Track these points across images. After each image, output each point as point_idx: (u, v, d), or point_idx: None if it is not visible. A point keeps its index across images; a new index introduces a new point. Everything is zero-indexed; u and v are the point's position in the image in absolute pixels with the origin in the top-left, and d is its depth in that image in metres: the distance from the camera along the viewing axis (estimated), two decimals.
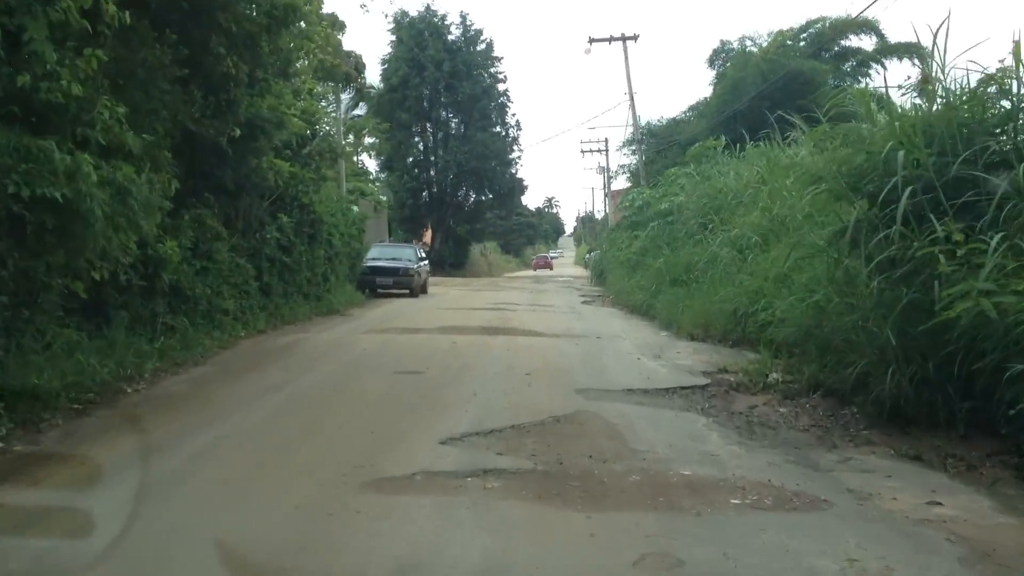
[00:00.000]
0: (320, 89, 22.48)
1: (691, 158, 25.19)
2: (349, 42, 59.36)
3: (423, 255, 29.37)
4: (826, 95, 11.10)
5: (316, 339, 14.74)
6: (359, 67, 27.62)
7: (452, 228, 55.13)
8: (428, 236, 55.12)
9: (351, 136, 55.06)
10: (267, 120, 14.23)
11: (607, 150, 74.72)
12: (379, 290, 26.66)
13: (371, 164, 54.67)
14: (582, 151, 75.12)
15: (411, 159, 53.18)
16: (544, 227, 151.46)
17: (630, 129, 42.71)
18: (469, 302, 25.22)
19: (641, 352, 13.48)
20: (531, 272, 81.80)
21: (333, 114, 26.24)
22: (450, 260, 53.83)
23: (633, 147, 42.82)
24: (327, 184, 28.40)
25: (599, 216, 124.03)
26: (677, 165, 28.48)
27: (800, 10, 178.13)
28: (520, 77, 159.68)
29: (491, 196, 55.29)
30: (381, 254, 27.86)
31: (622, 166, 44.32)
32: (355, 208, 26.94)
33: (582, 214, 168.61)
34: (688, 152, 24.91)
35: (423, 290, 28.88)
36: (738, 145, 22.90)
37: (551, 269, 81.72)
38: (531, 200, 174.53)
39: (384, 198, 36.94)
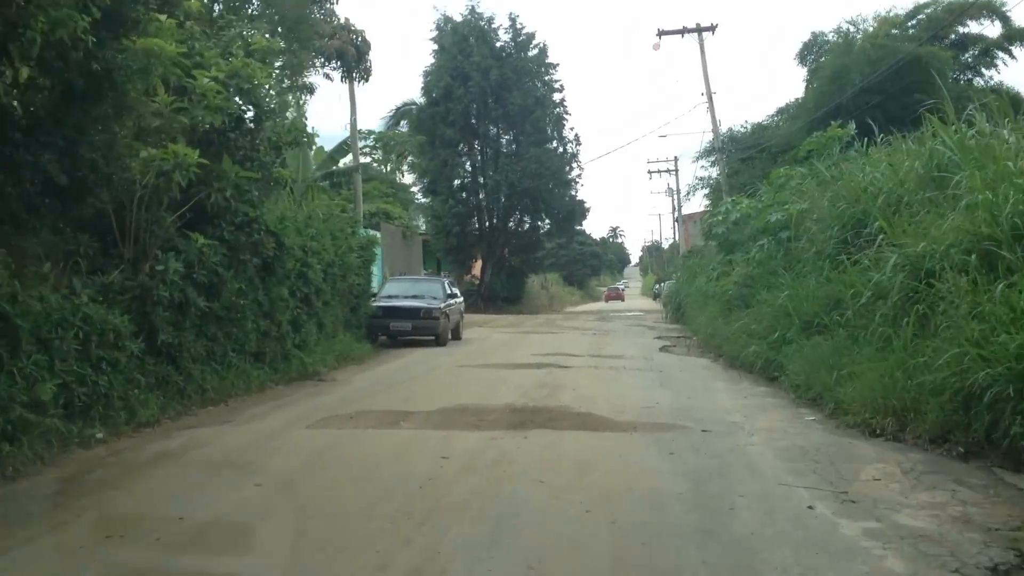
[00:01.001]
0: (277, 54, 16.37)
1: (805, 154, 18.58)
2: (393, 57, 53.37)
3: (454, 291, 23.11)
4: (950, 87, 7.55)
5: (192, 452, 8.42)
6: (361, 47, 21.60)
7: (505, 258, 48.88)
8: (478, 268, 48.97)
9: (390, 156, 49.49)
10: (118, 66, 8.12)
11: (677, 170, 68.55)
12: (395, 337, 20.49)
13: (412, 186, 49.07)
14: (649, 172, 69.27)
15: (457, 181, 47.18)
16: (609, 257, 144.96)
17: (708, 136, 36.33)
18: (510, 353, 18.88)
19: (801, 475, 6.97)
20: (596, 305, 75.51)
21: (298, 97, 19.96)
22: (503, 294, 47.55)
23: (713, 157, 36.24)
24: (323, 197, 22.50)
25: (667, 244, 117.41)
26: (779, 168, 21.92)
27: None
28: (578, 85, 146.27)
29: (548, 221, 48.91)
30: (399, 290, 21.68)
31: (700, 179, 37.61)
32: (364, 231, 20.83)
33: (648, 243, 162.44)
34: (802, 146, 18.39)
35: (455, 335, 22.62)
36: (865, 140, 16.49)
37: (623, 300, 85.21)
38: (594, 229, 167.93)
39: (417, 223, 30.88)
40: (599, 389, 12.51)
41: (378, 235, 26.75)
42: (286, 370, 13.67)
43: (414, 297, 21.17)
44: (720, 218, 19.49)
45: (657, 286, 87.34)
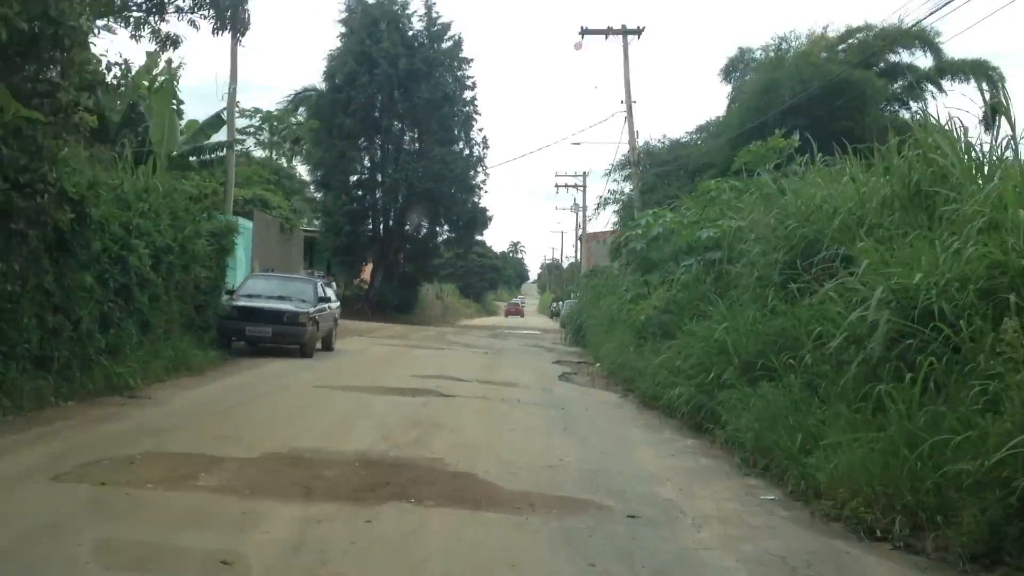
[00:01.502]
0: None
1: (739, 167, 16.21)
2: (295, 42, 49.13)
3: (327, 294, 19.95)
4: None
5: None
6: None
7: (399, 264, 45.79)
8: (369, 272, 45.77)
9: (280, 142, 45.80)
10: None
11: (584, 185, 66.59)
12: (254, 344, 17.37)
13: (304, 178, 45.63)
14: (556, 185, 66.71)
15: (354, 177, 43.95)
16: (508, 271, 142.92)
17: (624, 148, 34.16)
18: (386, 372, 15.97)
19: None
20: (491, 320, 72.96)
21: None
22: (394, 302, 44.41)
23: (627, 171, 34.07)
24: (195, 177, 19.30)
25: (568, 263, 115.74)
26: (681, 196, 19.58)
27: (836, 15, 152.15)
28: (491, 83, 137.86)
29: (447, 227, 46.05)
30: (263, 289, 18.47)
31: (612, 192, 35.25)
32: (225, 216, 17.60)
33: (548, 260, 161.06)
34: (738, 156, 16.00)
35: (326, 345, 19.56)
36: (806, 157, 14.26)
37: (522, 316, 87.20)
38: (495, 242, 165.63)
39: (301, 217, 27.53)
40: (486, 432, 9.72)
41: (249, 224, 23.49)
42: (85, 382, 10.48)
43: (279, 298, 18.01)
44: (639, 232, 17.00)
45: (555, 304, 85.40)
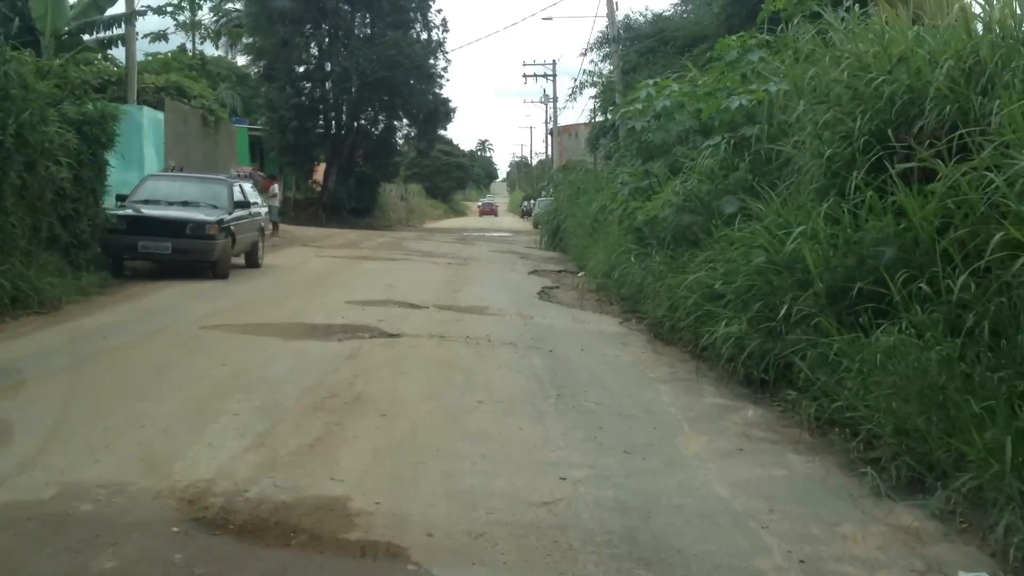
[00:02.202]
0: None
1: (764, 20, 12.32)
2: None
3: (250, 198, 15.98)
4: None
5: None
6: None
7: (355, 163, 41.65)
8: (322, 172, 41.61)
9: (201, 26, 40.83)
10: None
11: (555, 75, 61.90)
12: (157, 261, 13.71)
13: (247, 69, 41.05)
14: (525, 75, 61.90)
15: (301, 69, 39.35)
16: (476, 170, 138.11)
17: (602, 23, 29.99)
18: (315, 297, 12.35)
19: None
20: (459, 221, 69.18)
21: None
22: (351, 205, 40.42)
23: (606, 50, 30.00)
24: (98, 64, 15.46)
25: (538, 159, 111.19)
26: (676, 70, 15.63)
27: None
28: None
29: (407, 122, 41.78)
30: (162, 193, 14.58)
31: (588, 74, 31.03)
32: (103, 102, 13.61)
33: (517, 158, 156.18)
34: (765, 5, 12.16)
35: (251, 261, 15.92)
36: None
37: (496, 216, 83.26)
38: (462, 141, 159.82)
39: (222, 106, 23.26)
40: (435, 418, 6.08)
41: (158, 115, 19.43)
42: None
43: (183, 205, 14.21)
44: (638, 107, 13.24)
45: (526, 203, 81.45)
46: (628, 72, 27.98)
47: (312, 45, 39.03)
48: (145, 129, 18.33)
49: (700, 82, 13.06)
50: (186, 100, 21.25)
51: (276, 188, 28.58)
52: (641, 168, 13.70)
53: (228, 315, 10.18)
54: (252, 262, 15.92)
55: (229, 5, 41.34)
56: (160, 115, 19.32)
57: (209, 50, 41.07)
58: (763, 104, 10.23)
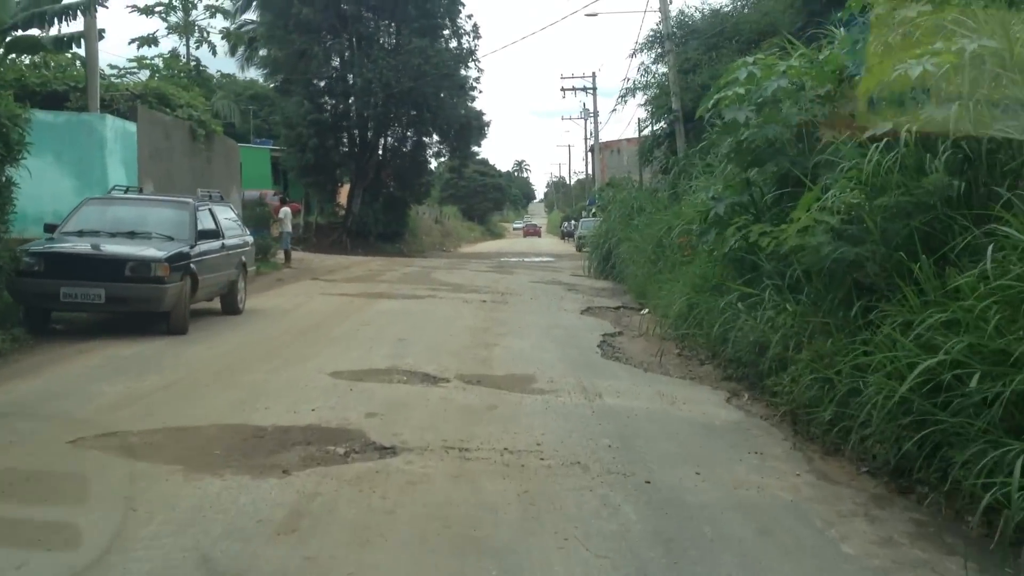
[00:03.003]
0: None
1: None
2: None
3: (228, 225, 12.45)
4: None
5: None
6: None
7: (383, 183, 38.33)
8: (345, 195, 38.30)
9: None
10: None
11: (595, 87, 58.42)
12: (76, 311, 10.26)
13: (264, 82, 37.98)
14: (563, 88, 58.27)
15: (323, 83, 36.07)
16: (513, 191, 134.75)
17: (653, 20, 26.39)
18: (301, 357, 8.81)
19: None
20: (497, 244, 65.67)
21: None
22: (378, 229, 37.02)
23: (659, 49, 26.32)
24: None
25: (577, 178, 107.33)
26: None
27: None
28: None
29: (437, 137, 38.37)
30: (100, 222, 11.07)
31: (644, 71, 27.07)
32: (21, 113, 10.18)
33: (555, 178, 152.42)
34: None
35: (228, 307, 12.41)
36: None
37: (539, 236, 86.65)
38: (498, 161, 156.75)
39: (215, 117, 19.76)
40: None
41: (130, 127, 16.06)
42: None
43: (128, 236, 10.75)
44: (739, 92, 9.55)
45: (566, 224, 77.86)
46: (687, 72, 24.31)
47: (332, 56, 35.74)
48: (109, 143, 15.00)
49: (822, 56, 9.39)
50: (169, 110, 17.92)
51: (287, 212, 25.24)
52: (742, 176, 9.98)
53: (138, 408, 6.61)
54: (230, 307, 12.41)
55: (245, 16, 38.26)
56: (132, 126, 15.97)
57: (225, 65, 38.00)
58: (960, 69, 6.53)
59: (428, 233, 51.95)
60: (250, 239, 13.60)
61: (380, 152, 37.80)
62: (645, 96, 28.11)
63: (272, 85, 36.53)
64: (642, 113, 39.37)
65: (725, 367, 9.12)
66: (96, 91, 15.13)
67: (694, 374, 9.34)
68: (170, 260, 10.14)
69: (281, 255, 24.49)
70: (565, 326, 13.02)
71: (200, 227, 11.24)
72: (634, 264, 18.72)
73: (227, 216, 12.74)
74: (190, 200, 11.81)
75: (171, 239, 10.78)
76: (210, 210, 12.01)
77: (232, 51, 38.89)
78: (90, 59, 15.23)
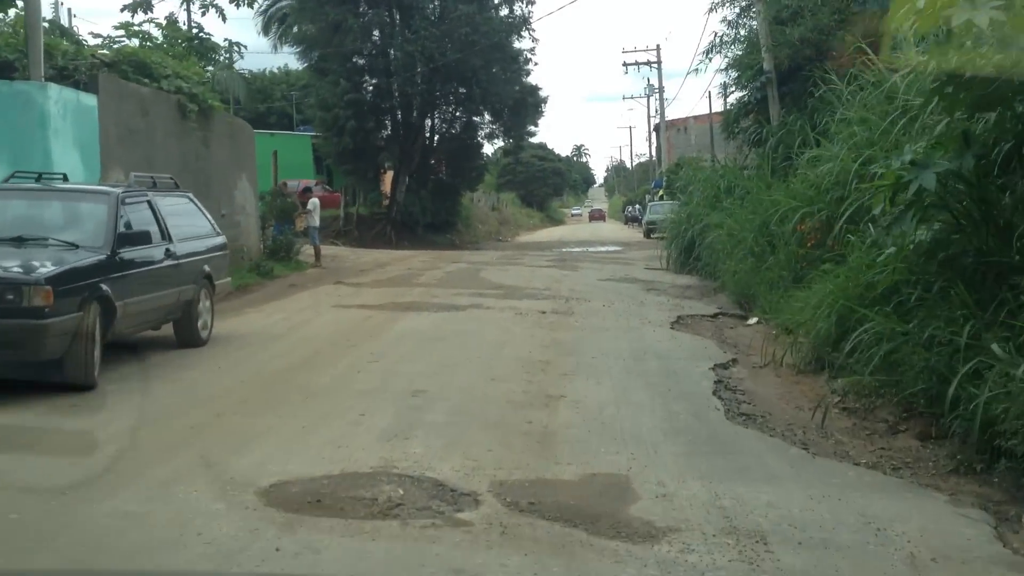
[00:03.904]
0: None
1: None
2: None
3: (177, 223, 8.85)
4: None
5: None
6: None
7: (430, 169, 34.81)
8: (388, 183, 34.82)
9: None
10: None
11: (659, 61, 54.17)
12: None
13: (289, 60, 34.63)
14: (625, 63, 54.19)
15: (361, 60, 32.54)
16: (573, 176, 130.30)
17: None
18: (235, 447, 5.16)
19: None
20: (558, 231, 61.88)
21: None
22: (426, 220, 33.47)
23: (744, 2, 22.16)
24: None
25: (639, 160, 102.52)
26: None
27: None
28: None
29: (489, 117, 34.62)
30: None
31: (729, 24, 22.85)
32: None
33: (615, 162, 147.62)
34: None
35: (184, 338, 8.84)
36: None
37: (604, 220, 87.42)
38: (557, 145, 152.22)
39: (210, 92, 16.23)
40: None
41: (88, 100, 12.57)
42: None
43: (14, 244, 7.24)
44: None
45: (630, 209, 73.60)
46: (782, 23, 20.15)
47: (371, 28, 32.12)
48: (54, 119, 11.54)
49: None
50: (152, 81, 14.47)
51: (315, 204, 21.76)
52: (959, 130, 6.08)
53: None
54: (187, 337, 8.86)
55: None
56: (91, 99, 12.50)
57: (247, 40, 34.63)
58: None
59: (483, 222, 48.38)
60: (220, 241, 9.98)
61: (426, 135, 34.22)
62: (726, 60, 23.92)
63: (305, 65, 33.05)
64: (720, 83, 35.14)
65: (949, 441, 5.31)
66: (39, 54, 11.67)
67: (892, 457, 5.53)
68: (56, 281, 6.58)
69: (309, 252, 21.04)
70: (658, 352, 9.22)
71: (125, 229, 7.66)
72: (730, 257, 14.82)
73: (180, 211, 9.14)
74: (112, 190, 8.18)
75: (75, 247, 7.23)
76: (149, 203, 8.44)
77: (265, 30, 35.60)
78: (30, 14, 11.79)
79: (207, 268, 9.18)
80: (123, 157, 13.13)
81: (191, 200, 9.64)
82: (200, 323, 8.96)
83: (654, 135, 66.55)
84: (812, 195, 11.41)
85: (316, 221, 21.53)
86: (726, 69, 24.52)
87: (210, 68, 20.04)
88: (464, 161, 35.22)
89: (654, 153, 69.24)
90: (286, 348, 9.18)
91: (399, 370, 7.88)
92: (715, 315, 12.56)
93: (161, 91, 14.71)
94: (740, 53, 22.79)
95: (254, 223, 18.93)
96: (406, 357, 8.58)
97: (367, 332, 10.34)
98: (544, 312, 12.16)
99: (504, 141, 37.00)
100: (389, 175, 34.59)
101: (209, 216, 9.92)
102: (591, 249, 31.72)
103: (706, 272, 17.38)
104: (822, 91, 13.76)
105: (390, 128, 33.48)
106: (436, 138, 34.87)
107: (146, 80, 14.51)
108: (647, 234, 38.72)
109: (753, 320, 11.83)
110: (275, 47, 33.61)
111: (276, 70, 48.92)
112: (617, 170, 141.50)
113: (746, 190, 16.78)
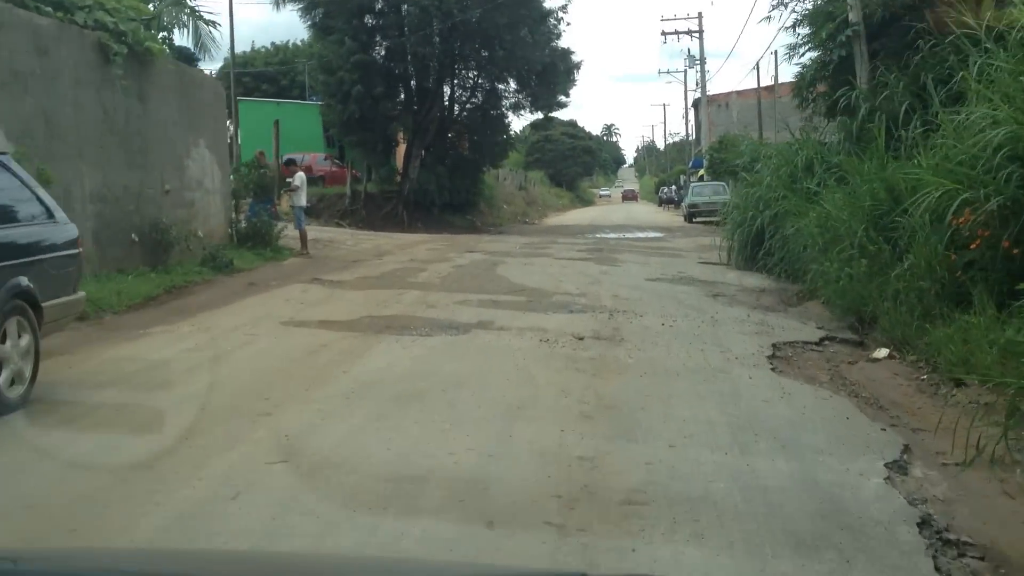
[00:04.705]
0: None
1: None
2: None
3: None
4: None
5: None
6: None
7: (447, 142, 31.05)
8: (401, 157, 31.08)
9: None
10: None
11: (701, 30, 49.98)
12: None
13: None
14: (663, 32, 50.11)
15: (369, 19, 28.72)
16: (604, 155, 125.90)
17: None
18: None
19: None
20: (589, 213, 57.97)
21: None
22: (443, 199, 29.75)
23: None
24: None
25: (673, 139, 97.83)
26: None
27: None
28: None
29: (514, 85, 30.75)
30: None
31: None
32: None
33: (646, 141, 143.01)
34: None
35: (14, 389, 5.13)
36: None
37: (636, 200, 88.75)
38: (586, 124, 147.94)
39: (146, 31, 12.41)
40: None
41: None
42: None
43: None
44: None
45: (664, 190, 69.48)
46: None
47: None
48: None
49: None
50: (65, 13, 10.81)
51: (302, 179, 18.08)
52: None
53: None
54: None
55: None
56: None
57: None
58: None
59: (509, 201, 44.63)
60: (62, 234, 6.25)
61: (445, 104, 30.44)
62: (793, 16, 19.81)
63: (308, 23, 29.27)
64: (786, 45, 31.24)
65: None
66: None
67: None
68: None
69: (295, 236, 17.39)
70: (774, 432, 5.41)
71: None
72: (824, 256, 10.95)
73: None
74: None
75: None
76: None
77: None
78: None
79: (22, 281, 5.45)
80: (4, 111, 9.47)
81: (4, 166, 5.90)
82: (2, 377, 5.26)
83: (692, 111, 62.41)
84: (973, 175, 7.65)
85: (302, 200, 17.83)
86: (794, 26, 20.36)
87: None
88: (486, 134, 31.38)
89: (691, 131, 65.16)
90: (142, 421, 5.43)
91: (310, 495, 4.15)
92: (820, 341, 8.79)
93: (73, 25, 11.01)
94: (816, 5, 18.68)
95: (219, 201, 15.27)
96: (342, 448, 4.87)
97: (306, 379, 6.60)
98: (581, 338, 8.37)
99: (531, 112, 33.10)
100: (403, 148, 30.85)
101: (42, 192, 6.17)
102: (629, 235, 27.82)
103: (783, 271, 13.57)
104: (934, 43, 10.27)
105: (403, 95, 29.74)
106: (455, 108, 31.09)
107: (50, 9, 10.81)
108: (688, 218, 35.01)
109: (882, 353, 8.07)
110: (277, 4, 29.78)
111: (300, 42, 45.53)
112: (649, 150, 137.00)
113: (840, 169, 12.94)
